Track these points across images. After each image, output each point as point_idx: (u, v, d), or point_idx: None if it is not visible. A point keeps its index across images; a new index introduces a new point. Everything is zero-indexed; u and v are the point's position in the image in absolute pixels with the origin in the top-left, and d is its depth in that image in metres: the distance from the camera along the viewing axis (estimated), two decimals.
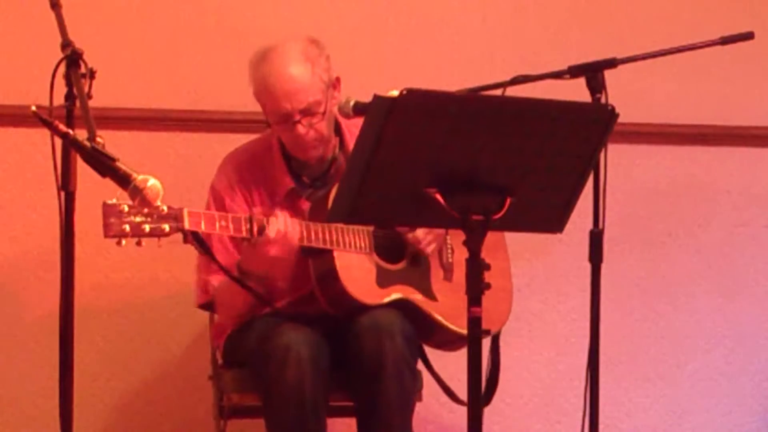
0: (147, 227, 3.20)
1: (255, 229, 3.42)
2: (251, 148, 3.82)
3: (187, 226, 3.27)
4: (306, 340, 3.49)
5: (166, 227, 3.24)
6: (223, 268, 3.51)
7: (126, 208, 3.13)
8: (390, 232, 3.70)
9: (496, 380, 3.74)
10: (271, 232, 3.42)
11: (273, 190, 3.72)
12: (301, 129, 3.62)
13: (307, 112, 3.61)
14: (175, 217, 3.25)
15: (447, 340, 3.77)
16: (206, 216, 3.36)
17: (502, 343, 4.46)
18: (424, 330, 3.68)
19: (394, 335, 3.49)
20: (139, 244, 3.22)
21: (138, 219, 3.16)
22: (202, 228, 3.33)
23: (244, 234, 3.43)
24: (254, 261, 3.51)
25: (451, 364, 3.81)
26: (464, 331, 3.65)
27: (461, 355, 3.76)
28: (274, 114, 3.63)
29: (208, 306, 3.76)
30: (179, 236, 4.27)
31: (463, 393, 3.71)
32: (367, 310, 3.55)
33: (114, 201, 3.15)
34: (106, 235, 3.20)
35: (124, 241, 3.20)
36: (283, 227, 3.44)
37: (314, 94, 3.61)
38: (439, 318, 3.69)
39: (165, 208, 3.18)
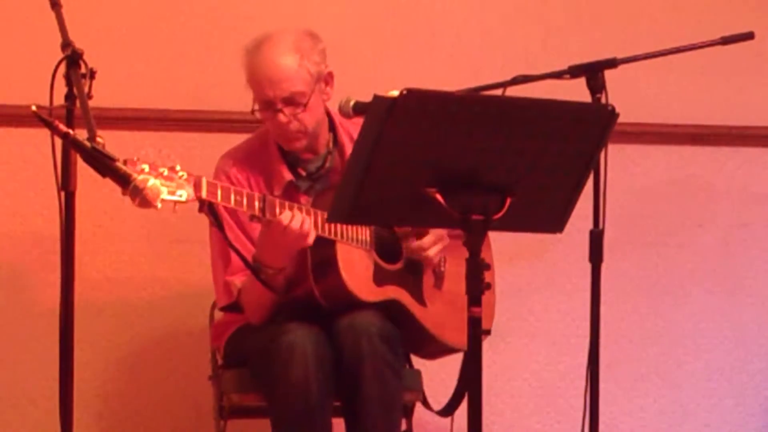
0: (165, 190, 3.15)
1: (266, 208, 3.41)
2: (247, 145, 3.82)
3: (204, 195, 3.25)
4: (311, 338, 3.48)
5: (184, 193, 3.20)
6: (236, 250, 3.48)
7: (146, 168, 3.04)
8: (389, 231, 3.70)
9: (463, 392, 3.70)
10: (285, 218, 3.41)
11: (271, 183, 3.72)
12: (282, 118, 3.63)
13: (290, 101, 3.62)
14: (194, 184, 3.22)
15: (430, 349, 3.78)
16: (223, 188, 3.34)
17: (502, 343, 4.47)
18: (409, 333, 3.66)
19: (372, 336, 3.47)
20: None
21: (158, 181, 3.09)
22: (218, 198, 3.30)
23: (256, 212, 3.40)
24: (270, 249, 3.49)
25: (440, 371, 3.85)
26: (447, 341, 3.70)
27: (448, 361, 3.81)
28: (260, 101, 3.65)
29: (230, 307, 3.73)
30: (179, 237, 4.31)
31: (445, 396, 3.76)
32: (346, 312, 3.53)
33: (135, 158, 3.04)
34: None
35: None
36: (298, 226, 3.43)
37: (298, 84, 3.62)
38: (425, 325, 3.69)
39: (185, 174, 3.15)
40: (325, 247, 3.53)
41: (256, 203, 3.39)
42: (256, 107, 3.67)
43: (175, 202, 3.13)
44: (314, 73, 3.65)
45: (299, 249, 3.50)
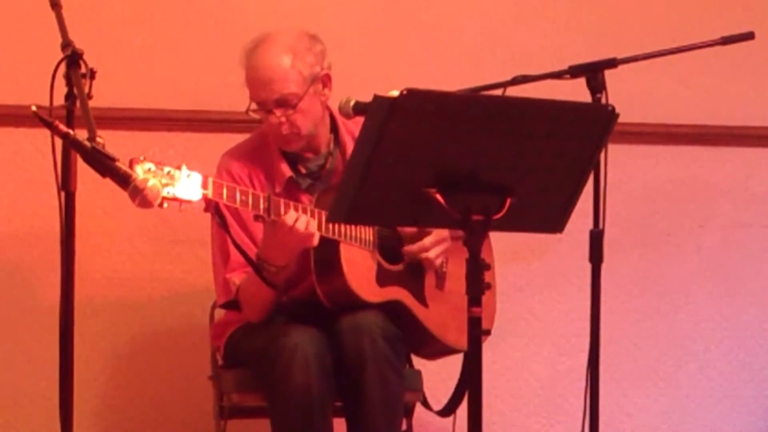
0: (171, 190, 3.12)
1: (271, 208, 3.41)
2: (248, 142, 3.82)
3: (210, 194, 3.24)
4: (312, 341, 3.48)
5: (190, 193, 3.17)
6: (240, 249, 3.48)
7: (153, 168, 3.03)
8: (392, 232, 3.70)
9: (463, 392, 3.71)
10: (290, 218, 3.41)
11: (272, 179, 3.72)
12: (273, 119, 3.63)
13: (281, 103, 3.62)
14: (201, 184, 3.19)
15: (432, 349, 3.77)
16: (228, 187, 3.34)
17: (502, 343, 4.47)
18: (411, 335, 3.66)
19: (375, 336, 3.48)
20: (160, 206, 3.09)
21: (163, 181, 3.09)
22: (224, 198, 3.30)
23: (261, 212, 3.40)
24: (273, 248, 3.49)
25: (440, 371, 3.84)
26: (449, 342, 3.69)
27: (448, 361, 3.81)
28: (254, 101, 3.65)
29: (230, 305, 3.72)
30: (179, 237, 4.31)
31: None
32: (348, 312, 3.54)
33: (141, 157, 3.02)
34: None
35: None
36: (303, 226, 3.42)
37: (289, 86, 3.61)
38: (427, 325, 3.69)
39: (191, 173, 3.14)
40: (328, 248, 3.53)
41: (261, 203, 3.39)
42: (253, 107, 3.67)
43: (182, 202, 3.12)
44: (307, 75, 3.64)
45: (303, 249, 3.50)
